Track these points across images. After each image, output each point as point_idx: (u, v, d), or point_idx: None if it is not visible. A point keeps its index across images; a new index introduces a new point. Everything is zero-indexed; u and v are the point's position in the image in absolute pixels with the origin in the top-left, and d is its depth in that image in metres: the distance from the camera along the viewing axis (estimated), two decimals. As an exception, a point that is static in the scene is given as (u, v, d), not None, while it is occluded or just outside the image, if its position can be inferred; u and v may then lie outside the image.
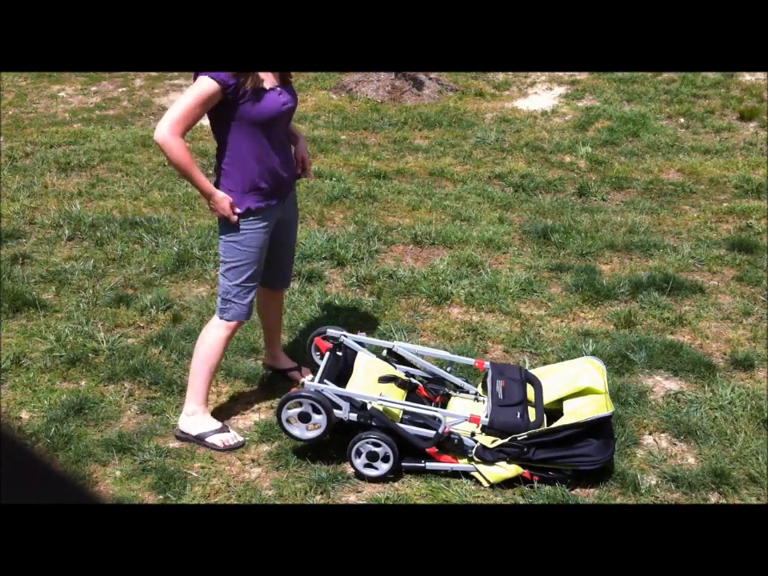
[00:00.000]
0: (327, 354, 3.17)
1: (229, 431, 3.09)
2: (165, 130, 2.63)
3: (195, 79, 2.68)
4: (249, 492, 2.84)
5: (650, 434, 3.16)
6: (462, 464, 2.87)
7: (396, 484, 2.89)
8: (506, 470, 2.81)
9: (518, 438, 2.79)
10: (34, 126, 7.40)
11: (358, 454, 2.87)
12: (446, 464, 2.87)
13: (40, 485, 0.57)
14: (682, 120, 7.32)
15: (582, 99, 7.90)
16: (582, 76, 8.38)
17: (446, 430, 2.82)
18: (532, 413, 2.91)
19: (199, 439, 3.05)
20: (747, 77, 8.09)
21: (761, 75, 8.04)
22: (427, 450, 2.85)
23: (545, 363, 3.55)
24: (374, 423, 2.88)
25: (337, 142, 6.80)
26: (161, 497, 2.82)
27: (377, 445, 2.83)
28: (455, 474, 2.90)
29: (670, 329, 3.92)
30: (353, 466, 2.89)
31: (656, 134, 6.97)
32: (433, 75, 8.17)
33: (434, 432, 2.84)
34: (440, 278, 4.38)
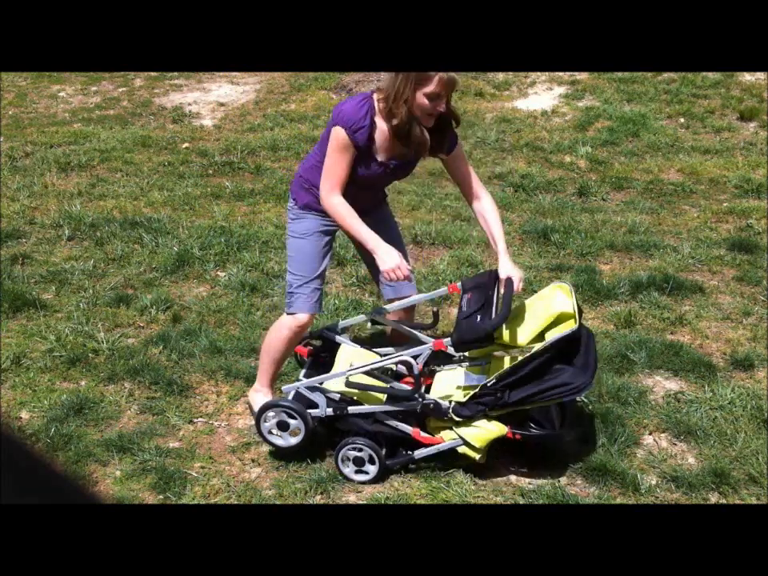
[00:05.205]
0: (310, 355, 3.19)
1: None
2: (323, 197, 2.68)
3: (330, 129, 2.67)
4: (249, 492, 2.84)
5: (650, 433, 3.16)
6: (449, 441, 2.82)
7: (396, 484, 2.88)
8: (487, 430, 2.75)
9: (488, 385, 2.71)
10: (34, 125, 7.40)
11: (345, 462, 2.88)
12: (433, 447, 2.83)
13: (40, 485, 0.57)
14: (682, 120, 7.32)
15: (582, 99, 7.90)
16: (582, 76, 8.37)
17: (420, 367, 2.75)
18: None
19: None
20: (747, 77, 8.08)
21: (761, 75, 8.04)
22: (412, 433, 2.82)
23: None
24: (348, 411, 2.86)
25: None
26: (161, 497, 2.82)
27: (359, 449, 2.83)
28: (455, 474, 2.90)
29: (670, 329, 3.92)
30: (344, 476, 2.89)
31: (656, 134, 6.97)
32: (433, 75, 8.16)
33: (412, 398, 2.78)
34: (440, 278, 4.38)
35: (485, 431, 2.76)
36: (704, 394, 3.36)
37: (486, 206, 2.88)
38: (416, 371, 2.72)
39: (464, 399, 2.76)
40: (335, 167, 2.67)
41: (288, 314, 2.97)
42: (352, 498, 2.84)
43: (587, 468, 2.92)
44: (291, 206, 2.96)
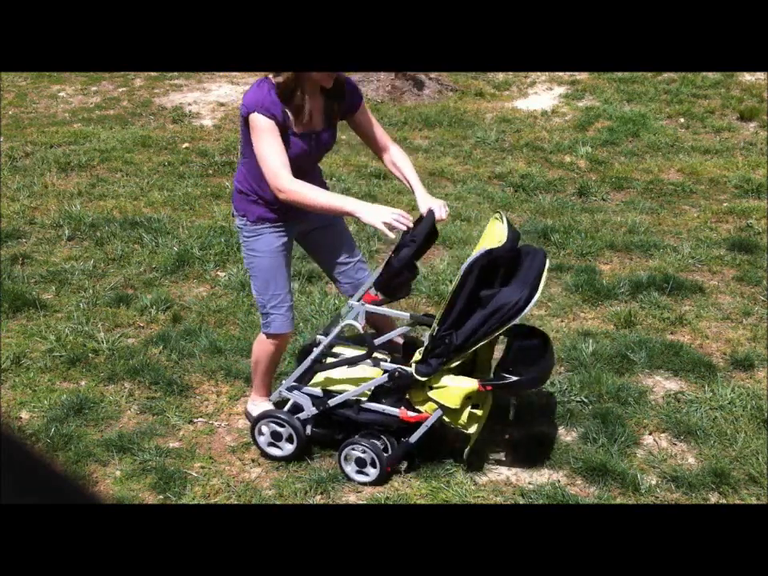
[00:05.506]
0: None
1: None
2: (278, 186, 2.59)
3: (246, 118, 2.64)
4: (249, 492, 2.84)
5: (650, 433, 3.16)
6: (433, 414, 2.80)
7: (396, 484, 2.89)
8: (457, 387, 2.73)
9: (434, 335, 2.69)
10: (34, 125, 7.40)
11: (347, 460, 2.88)
12: (422, 427, 2.81)
13: (40, 485, 0.57)
14: (682, 120, 7.32)
15: (582, 99, 7.90)
16: (582, 76, 8.38)
17: (363, 324, 2.85)
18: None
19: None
20: (747, 77, 8.09)
21: (761, 75, 8.04)
22: (399, 414, 2.82)
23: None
24: (330, 404, 2.88)
25: (337, 142, 6.78)
26: (161, 497, 2.82)
27: (362, 450, 2.84)
28: (455, 474, 2.90)
29: (670, 329, 3.92)
30: (345, 473, 2.90)
31: (656, 134, 6.97)
32: (433, 75, 8.17)
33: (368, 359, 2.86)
34: (440, 278, 4.38)
35: (454, 388, 2.74)
36: (704, 393, 3.36)
37: (395, 154, 2.94)
38: (361, 331, 2.80)
39: (420, 357, 2.76)
40: (271, 151, 2.60)
41: (268, 333, 2.97)
42: (352, 498, 2.84)
43: (587, 468, 2.92)
44: (243, 225, 2.85)
